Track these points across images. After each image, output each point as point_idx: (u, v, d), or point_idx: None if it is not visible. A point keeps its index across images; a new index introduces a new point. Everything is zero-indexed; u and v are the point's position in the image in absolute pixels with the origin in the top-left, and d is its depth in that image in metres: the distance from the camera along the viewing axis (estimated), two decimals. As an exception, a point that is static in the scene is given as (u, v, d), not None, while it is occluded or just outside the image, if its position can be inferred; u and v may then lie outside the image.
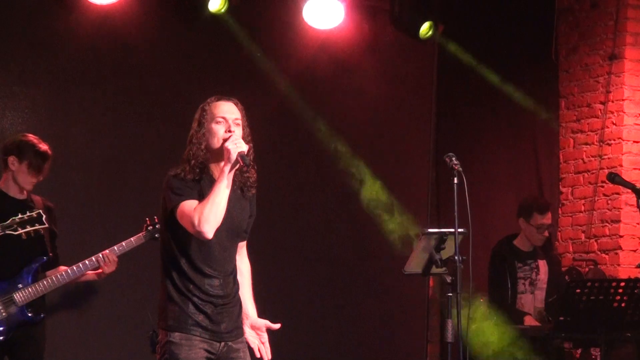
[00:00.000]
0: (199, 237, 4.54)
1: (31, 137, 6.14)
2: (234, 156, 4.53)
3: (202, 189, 4.62)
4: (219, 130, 4.65)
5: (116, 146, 7.41)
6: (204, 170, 4.67)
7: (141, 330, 6.38)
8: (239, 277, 4.84)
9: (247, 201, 4.82)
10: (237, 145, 4.55)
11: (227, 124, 4.66)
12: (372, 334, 8.26)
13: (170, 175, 4.66)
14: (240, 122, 4.72)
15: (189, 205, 4.55)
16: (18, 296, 5.94)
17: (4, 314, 5.90)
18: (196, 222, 4.49)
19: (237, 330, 4.75)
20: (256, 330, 4.87)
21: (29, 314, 5.99)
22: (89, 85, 7.35)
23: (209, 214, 4.49)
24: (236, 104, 4.76)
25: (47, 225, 5.48)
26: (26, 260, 6.00)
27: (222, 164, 4.57)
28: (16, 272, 5.98)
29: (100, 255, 6.15)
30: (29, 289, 5.96)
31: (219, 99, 4.73)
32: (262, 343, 4.85)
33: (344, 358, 8.12)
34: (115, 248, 6.20)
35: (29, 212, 5.40)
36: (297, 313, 7.87)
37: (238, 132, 4.68)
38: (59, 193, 6.45)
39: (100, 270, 6.21)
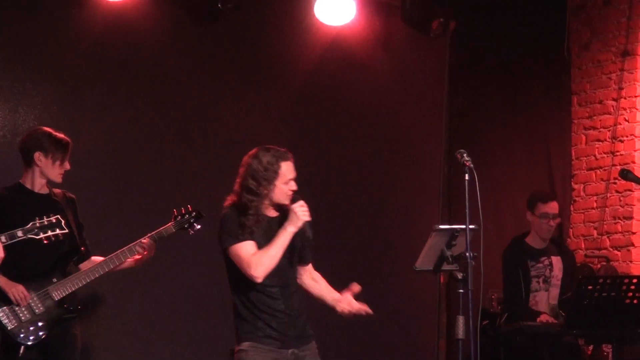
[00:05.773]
0: (250, 279, 5.10)
1: (47, 130, 6.09)
2: (300, 223, 5.17)
3: (253, 228, 5.16)
4: (287, 190, 5.22)
5: (129, 141, 7.43)
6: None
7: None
8: (315, 285, 5.50)
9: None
10: (305, 215, 5.18)
11: (292, 185, 5.25)
12: (384, 330, 8.25)
13: (226, 214, 5.19)
14: None
15: (245, 249, 5.12)
16: (54, 290, 5.91)
17: (41, 308, 5.86)
18: (252, 269, 5.08)
19: (303, 339, 5.29)
20: (345, 302, 5.38)
21: (67, 308, 5.95)
22: (101, 82, 7.37)
23: (265, 264, 5.10)
24: None
25: (66, 231, 5.50)
26: (57, 256, 5.97)
27: (287, 223, 5.16)
28: (49, 267, 5.94)
29: (141, 241, 6.08)
30: (65, 283, 5.92)
31: (285, 158, 5.26)
32: (356, 309, 5.36)
33: (355, 354, 8.12)
34: (155, 236, 6.15)
35: (47, 218, 5.43)
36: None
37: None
38: (71, 188, 6.45)
39: (139, 257, 6.12)
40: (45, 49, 7.17)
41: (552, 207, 7.30)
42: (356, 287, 5.41)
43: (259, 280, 5.10)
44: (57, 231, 5.45)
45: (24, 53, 7.13)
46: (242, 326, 5.19)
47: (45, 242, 5.46)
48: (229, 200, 5.26)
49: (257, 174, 5.19)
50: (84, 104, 7.32)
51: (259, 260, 5.09)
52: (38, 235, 5.42)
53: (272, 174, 5.19)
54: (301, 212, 5.17)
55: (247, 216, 5.15)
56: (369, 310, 5.39)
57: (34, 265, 5.88)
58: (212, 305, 7.57)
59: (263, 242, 5.16)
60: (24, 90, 7.15)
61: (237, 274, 5.16)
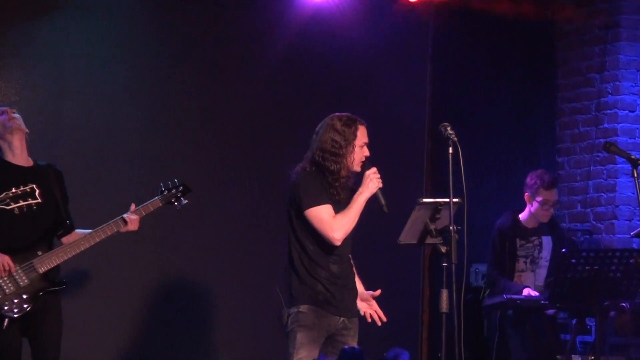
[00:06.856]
0: (329, 241, 5.33)
1: None
2: (373, 189, 5.39)
3: (332, 191, 5.39)
4: (361, 154, 5.44)
5: (113, 113, 7.39)
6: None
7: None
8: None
9: None
10: (379, 182, 5.40)
11: (366, 150, 5.47)
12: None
13: (304, 176, 5.39)
14: None
15: (326, 212, 5.34)
16: (38, 263, 5.86)
17: (26, 280, 5.82)
18: (335, 231, 5.31)
19: (353, 311, 5.51)
20: (366, 301, 5.62)
21: (51, 281, 5.92)
22: (82, 57, 7.31)
23: (346, 227, 5.35)
24: None
25: (39, 201, 5.47)
26: (42, 229, 5.94)
27: (361, 188, 5.41)
28: (34, 240, 5.90)
29: (127, 215, 6.02)
30: (49, 256, 5.88)
31: (361, 122, 5.50)
32: (374, 310, 5.62)
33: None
34: (142, 210, 6.09)
35: (23, 187, 5.39)
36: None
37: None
38: (55, 160, 6.39)
39: (124, 230, 6.05)
40: (25, 23, 7.12)
41: (554, 194, 7.23)
42: (377, 292, 5.64)
43: (338, 243, 5.32)
44: (30, 201, 5.43)
45: (4, 29, 7.07)
46: (301, 289, 5.36)
47: (16, 212, 5.44)
48: (302, 166, 5.45)
49: (337, 136, 5.40)
50: (65, 79, 7.27)
51: (340, 223, 5.31)
52: (9, 205, 5.41)
53: (351, 136, 5.42)
54: (375, 179, 5.38)
55: (328, 179, 5.37)
56: (384, 318, 5.61)
57: (9, 237, 5.84)
58: (199, 282, 7.57)
59: (336, 207, 5.35)
60: (4, 65, 7.11)
61: (308, 235, 5.35)
